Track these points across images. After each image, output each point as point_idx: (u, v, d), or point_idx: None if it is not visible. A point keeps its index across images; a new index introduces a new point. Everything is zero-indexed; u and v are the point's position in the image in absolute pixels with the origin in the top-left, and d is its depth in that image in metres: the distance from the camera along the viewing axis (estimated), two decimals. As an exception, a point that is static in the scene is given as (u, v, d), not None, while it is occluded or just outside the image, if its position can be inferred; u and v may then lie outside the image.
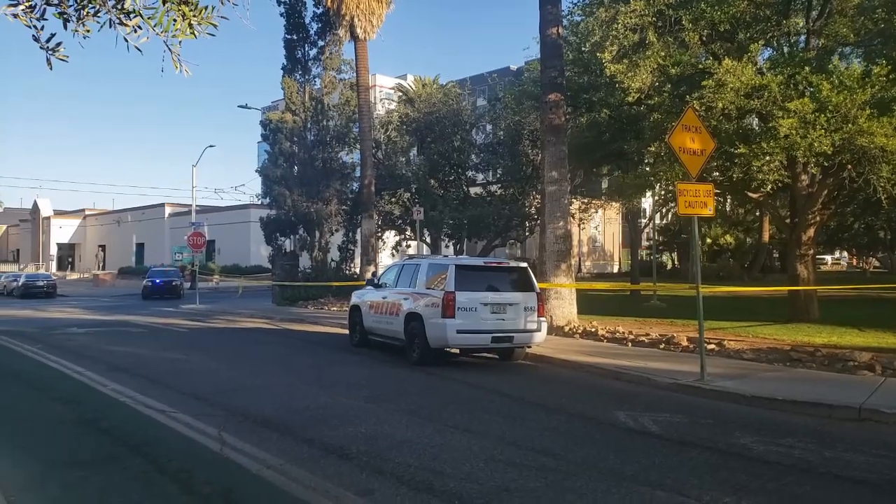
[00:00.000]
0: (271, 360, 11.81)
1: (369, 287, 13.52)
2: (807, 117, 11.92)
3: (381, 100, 43.15)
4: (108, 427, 6.82)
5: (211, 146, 60.76)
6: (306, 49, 28.39)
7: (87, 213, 73.27)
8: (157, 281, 33.21)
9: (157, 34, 3.59)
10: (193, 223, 39.30)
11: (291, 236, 28.93)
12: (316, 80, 28.91)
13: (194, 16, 3.62)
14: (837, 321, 14.72)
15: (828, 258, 59.02)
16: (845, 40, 14.21)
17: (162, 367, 10.84)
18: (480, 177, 32.46)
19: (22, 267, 63.04)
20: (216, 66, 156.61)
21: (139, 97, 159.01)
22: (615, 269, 51.52)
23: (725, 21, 13.52)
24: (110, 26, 3.67)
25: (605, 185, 29.79)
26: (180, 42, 3.69)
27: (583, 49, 17.18)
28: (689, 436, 6.58)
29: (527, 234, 31.64)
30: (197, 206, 46.34)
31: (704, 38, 14.57)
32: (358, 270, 25.44)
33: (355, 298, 13.70)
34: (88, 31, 3.70)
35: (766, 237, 37.27)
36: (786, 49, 14.98)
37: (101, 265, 65.60)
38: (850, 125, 11.77)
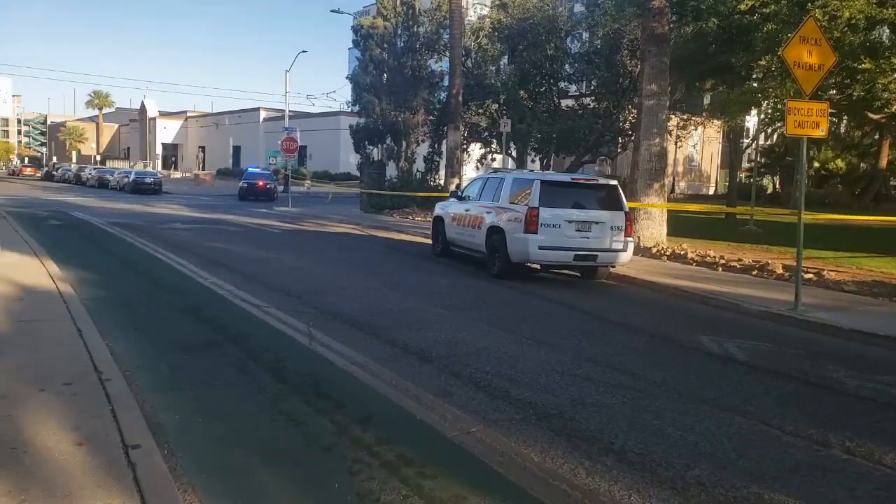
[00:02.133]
0: (357, 264, 12.24)
1: (453, 199, 13.55)
2: (952, 28, 10.57)
3: (473, 4, 41.44)
4: (209, 317, 7.36)
5: (303, 52, 61.18)
6: (398, -52, 27.49)
7: (188, 115, 76.58)
8: (253, 182, 34.63)
9: None
10: (286, 128, 40.28)
11: (379, 145, 29.19)
12: (406, -18, 28.12)
13: None
14: (957, 257, 13.57)
15: (953, 189, 53.76)
16: None
17: (257, 265, 11.46)
18: (573, 88, 31.13)
19: (132, 164, 67.28)
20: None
21: (238, 4, 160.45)
22: (711, 191, 49.11)
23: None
24: None
25: (706, 101, 27.97)
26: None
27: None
28: (776, 365, 6.39)
29: (619, 150, 30.44)
30: (290, 111, 47.25)
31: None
32: (442, 182, 25.49)
33: (438, 210, 13.80)
34: None
35: (883, 163, 34.17)
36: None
37: (201, 165, 69.05)
38: None
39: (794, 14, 13.31)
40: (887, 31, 13.28)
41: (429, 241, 14.54)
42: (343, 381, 5.31)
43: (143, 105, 77.48)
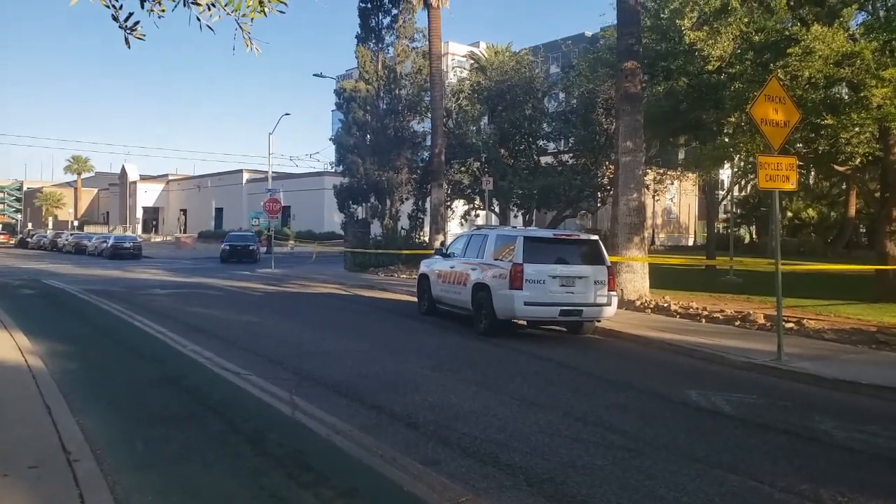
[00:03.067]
0: (342, 326, 12.15)
1: (438, 256, 13.63)
2: (906, 85, 11.08)
3: (452, 68, 42.74)
4: (188, 386, 7.22)
5: (286, 114, 62.13)
6: (380, 17, 28.48)
7: (170, 178, 76.89)
8: (235, 245, 34.54)
9: (228, 14, 3.66)
10: (269, 189, 40.50)
11: (363, 204, 29.44)
12: (389, 48, 29.02)
13: None
14: (932, 303, 13.80)
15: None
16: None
17: (237, 329, 11.33)
18: (552, 146, 31.85)
19: (111, 229, 66.98)
20: (291, 35, 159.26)
21: (218, 67, 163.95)
22: (690, 242, 49.86)
23: (818, -18, 12.64)
24: (184, 5, 3.77)
25: (681, 155, 28.71)
26: (252, 20, 3.75)
27: (661, 16, 16.48)
28: (764, 418, 6.38)
29: (598, 205, 30.95)
30: (273, 172, 47.74)
31: (792, 3, 13.69)
32: (427, 239, 25.66)
33: (424, 267, 13.85)
34: (164, 10, 3.82)
35: (852, 211, 35.02)
36: (881, 13, 13.85)
37: (182, 228, 68.91)
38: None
39: (759, 73, 13.88)
40: (846, 88, 13.85)
41: (414, 298, 14.52)
42: (326, 452, 5.19)
43: (123, 169, 77.73)
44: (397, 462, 4.93)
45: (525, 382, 7.64)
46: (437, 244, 19.96)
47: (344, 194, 28.92)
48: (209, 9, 3.69)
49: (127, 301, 15.14)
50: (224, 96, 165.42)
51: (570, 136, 29.39)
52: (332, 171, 34.45)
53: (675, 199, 48.09)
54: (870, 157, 13.61)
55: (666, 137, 23.08)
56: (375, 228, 29.07)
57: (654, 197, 32.75)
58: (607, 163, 25.76)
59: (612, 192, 16.43)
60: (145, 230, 71.05)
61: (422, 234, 28.24)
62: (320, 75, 39.28)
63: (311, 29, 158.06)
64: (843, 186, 33.97)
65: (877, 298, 14.55)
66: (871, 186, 17.54)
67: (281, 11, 3.80)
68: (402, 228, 28.39)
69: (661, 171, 30.09)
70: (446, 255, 13.05)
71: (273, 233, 32.38)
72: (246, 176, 63.11)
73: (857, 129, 11.88)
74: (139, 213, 74.20)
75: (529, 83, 28.61)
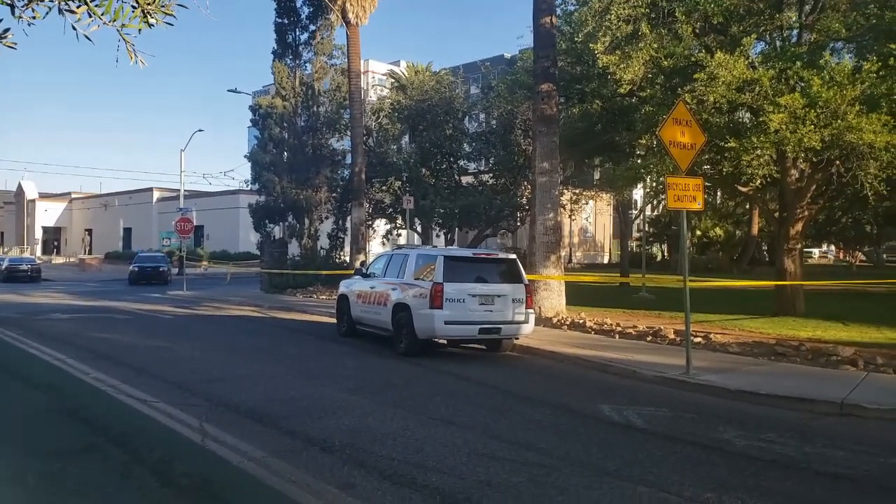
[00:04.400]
0: (257, 350, 11.74)
1: (357, 276, 13.46)
2: (797, 112, 11.92)
3: (373, 86, 42.77)
4: (89, 417, 6.75)
5: (200, 131, 60.32)
6: (297, 34, 28.16)
7: (73, 196, 72.60)
8: (145, 266, 32.95)
9: (107, 24, 3.48)
10: (181, 208, 38.99)
11: (280, 223, 28.79)
12: (307, 65, 28.71)
13: (149, 3, 3.50)
14: (823, 315, 14.82)
15: (815, 252, 59.48)
16: (837, 35, 14.18)
17: (146, 355, 10.75)
18: (472, 166, 32.31)
19: (6, 251, 62.39)
20: (205, 50, 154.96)
21: (127, 81, 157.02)
22: (605, 260, 51.66)
23: (719, 14, 13.45)
24: (59, 13, 3.55)
25: (596, 176, 29.82)
26: (140, 31, 3.57)
27: (576, 39, 17.07)
28: (672, 430, 6.60)
29: (518, 224, 31.58)
30: (185, 191, 45.94)
31: (697, 31, 14.51)
32: (347, 259, 25.35)
33: (343, 288, 13.64)
34: (36, 16, 3.59)
35: (755, 230, 37.45)
36: (778, 43, 14.94)
37: (87, 250, 65.10)
38: (839, 121, 11.79)
39: (668, 97, 14.61)
40: (748, 113, 14.77)
41: (334, 320, 14.25)
42: (237, 480, 4.96)
43: (19, 186, 72.66)
44: (311, 488, 4.77)
45: (444, 402, 7.60)
46: (357, 264, 19.74)
47: (260, 213, 28.19)
48: (89, 16, 3.47)
49: (22, 327, 14.07)
50: (134, 112, 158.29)
51: (490, 156, 29.94)
52: (248, 189, 33.56)
53: (590, 218, 49.80)
54: (769, 179, 14.53)
55: (581, 158, 23.92)
56: (293, 248, 28.46)
57: (570, 216, 33.78)
58: (526, 183, 26.36)
59: (530, 212, 16.80)
60: (45, 251, 66.64)
61: (342, 253, 27.88)
62: (235, 91, 37.95)
63: (225, 44, 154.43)
64: (747, 206, 36.29)
65: (776, 312, 15.48)
66: (771, 206, 18.74)
67: (168, 24, 3.63)
68: (321, 248, 27.93)
69: (577, 191, 31.11)
70: (366, 276, 12.91)
71: (185, 253, 31.12)
72: (156, 194, 60.50)
73: (757, 151, 12.63)
74: (38, 234, 69.52)
75: (450, 103, 28.98)
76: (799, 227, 15.53)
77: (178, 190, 44.95)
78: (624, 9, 13.49)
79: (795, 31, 14.91)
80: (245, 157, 31.23)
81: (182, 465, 5.26)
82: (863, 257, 49.73)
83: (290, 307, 19.49)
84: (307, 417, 6.74)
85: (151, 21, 3.54)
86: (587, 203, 37.61)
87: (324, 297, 21.94)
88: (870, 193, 12.94)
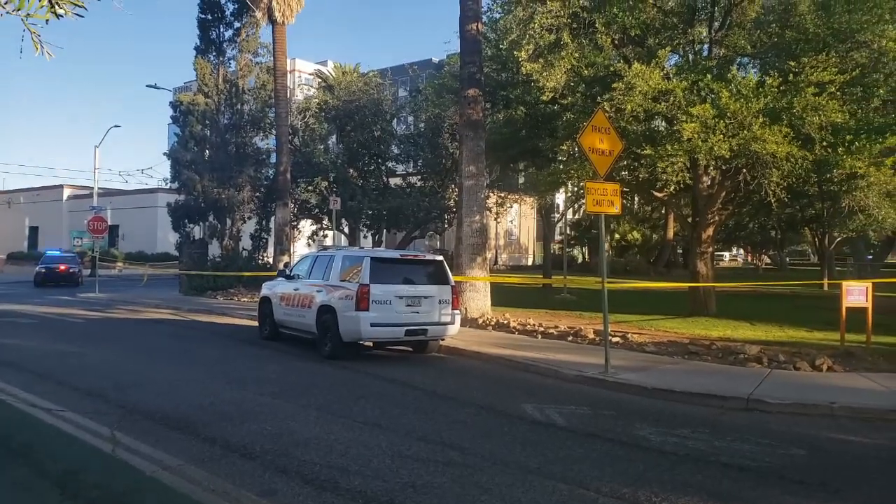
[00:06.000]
0: (175, 354, 11.29)
1: (281, 278, 13.18)
2: (708, 122, 12.56)
3: (299, 85, 41.95)
4: (-14, 428, 6.30)
5: (116, 126, 57.38)
6: (221, 30, 27.41)
7: (-29, 193, 67.45)
8: (53, 267, 31.05)
9: (10, 13, 3.28)
10: (94, 207, 37.04)
11: (201, 223, 27.83)
12: (231, 62, 28.00)
13: None
14: (732, 315, 15.66)
15: (726, 255, 62.83)
16: (743, 51, 15.08)
17: (52, 361, 10.14)
18: (400, 168, 32.31)
19: None
20: (124, 42, 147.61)
21: (35, 71, 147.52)
22: (530, 262, 52.73)
23: (636, 26, 14.03)
24: None
25: (521, 180, 30.39)
26: (47, 21, 3.38)
27: (501, 46, 17.40)
28: (592, 428, 6.81)
29: (446, 226, 31.81)
30: (99, 188, 43.69)
31: (616, 42, 15.07)
32: (271, 260, 24.76)
33: (266, 290, 13.32)
34: None
35: (670, 234, 39.18)
36: (690, 56, 15.71)
37: (-13, 249, 60.66)
38: (745, 131, 12.51)
39: (588, 105, 15.09)
40: (663, 122, 15.45)
41: (256, 323, 13.88)
42: (151, 490, 4.75)
43: (-90, 181, 67.10)
44: (230, 495, 4.63)
45: (369, 404, 7.55)
46: (280, 265, 19.30)
47: (179, 213, 27.15)
48: (-7, 6, 3.27)
49: None
50: (44, 107, 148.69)
51: (419, 158, 30.04)
52: (167, 187, 32.26)
53: (515, 221, 50.72)
54: (682, 185, 15.23)
55: (507, 162, 24.32)
56: (214, 249, 27.53)
57: (496, 219, 34.31)
58: (453, 185, 26.59)
59: (457, 214, 16.96)
60: (-62, 251, 61.59)
61: (265, 255, 27.24)
62: (154, 86, 36.64)
63: (144, 38, 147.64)
64: (663, 211, 37.90)
65: (690, 313, 16.26)
66: (685, 211, 19.67)
67: (79, 15, 3.45)
68: (243, 249, 27.19)
69: (503, 194, 31.64)
70: (290, 277, 12.66)
71: (98, 254, 29.55)
72: (67, 192, 57.10)
73: (671, 159, 13.20)
74: (-70, 232, 64.25)
75: (378, 105, 28.88)
76: (710, 231, 16.38)
77: (91, 188, 42.68)
78: (547, 18, 13.83)
79: (706, 46, 15.72)
80: (164, 154, 29.99)
81: (90, 476, 4.99)
82: (768, 260, 52.97)
83: (210, 310, 18.85)
84: (227, 423, 6.54)
85: (60, 11, 3.36)
86: (512, 206, 38.29)
87: (245, 299, 21.35)
88: (773, 200, 13.80)
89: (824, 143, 12.61)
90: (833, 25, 12.46)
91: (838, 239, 31.25)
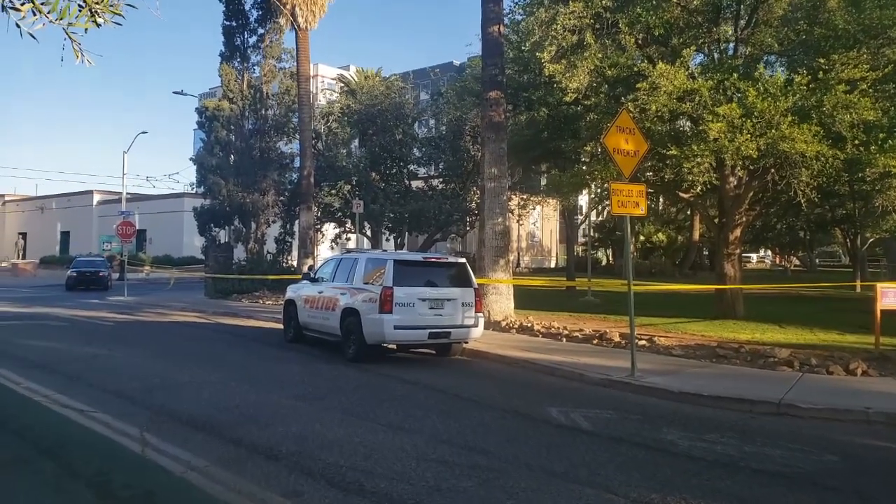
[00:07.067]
0: (201, 356, 11.42)
1: (305, 281, 13.26)
2: (734, 122, 12.37)
3: (322, 90, 42.33)
4: (18, 428, 6.43)
5: (143, 132, 58.53)
6: (245, 36, 27.79)
7: (7, 198, 69.17)
8: (83, 271, 31.67)
9: (53, 22, 3.35)
10: (123, 212, 37.59)
11: (226, 227, 28.21)
12: (255, 68, 28.35)
13: (97, 2, 3.38)
14: (761, 318, 15.40)
15: (753, 257, 61.85)
16: (770, 49, 14.84)
17: (83, 363, 10.32)
18: (422, 171, 32.41)
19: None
20: (151, 50, 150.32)
21: (68, 80, 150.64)
22: (553, 265, 52.47)
23: (660, 26, 13.88)
24: (2, 10, 3.40)
25: (543, 182, 30.27)
26: (86, 30, 3.44)
27: (523, 48, 17.35)
28: (618, 432, 6.72)
29: (468, 228, 31.80)
30: (128, 193, 44.46)
31: (640, 42, 14.93)
32: (295, 263, 24.98)
33: (290, 293, 13.42)
34: None
35: (696, 236, 38.71)
36: (716, 55, 15.51)
37: (20, 254, 62.08)
38: (773, 131, 12.30)
39: (612, 106, 14.98)
40: (688, 122, 15.26)
41: (280, 326, 13.99)
42: (180, 490, 4.81)
43: (-53, 187, 68.86)
44: (256, 497, 4.66)
45: (392, 407, 7.55)
46: (305, 268, 19.45)
47: (205, 217, 27.53)
48: (34, 14, 3.34)
49: (-55, 336, 13.31)
50: (76, 114, 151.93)
51: (440, 161, 30.10)
52: (193, 192, 32.73)
53: (538, 223, 50.53)
54: (708, 186, 15.04)
55: (529, 164, 24.26)
56: (239, 253, 27.89)
57: (518, 221, 34.25)
58: (475, 188, 26.58)
59: (479, 217, 16.94)
60: (-26, 256, 63.20)
61: (289, 258, 27.48)
62: (181, 93, 36.86)
63: (171, 45, 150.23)
64: (688, 212, 37.47)
65: (717, 315, 16.01)
66: (711, 212, 19.38)
67: (117, 23, 3.52)
68: (268, 252, 27.47)
69: (525, 196, 31.56)
70: (314, 280, 12.73)
71: (126, 258, 30.07)
72: (97, 197, 58.27)
73: (697, 159, 13.02)
74: (-34, 237, 66.00)
75: (400, 108, 29.01)
76: (737, 232, 16.12)
77: (120, 193, 43.45)
78: (569, 19, 13.75)
79: (732, 45, 15.51)
80: (190, 159, 30.54)
81: (121, 476, 5.06)
82: (797, 262, 52.01)
83: (236, 313, 19.05)
84: (252, 425, 6.58)
85: (99, 20, 3.42)
86: (534, 208, 38.17)
87: (270, 302, 21.54)
88: (802, 200, 13.55)
89: (856, 142, 12.33)
90: (864, 21, 12.19)
91: (871, 240, 30.59)
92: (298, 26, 23.18)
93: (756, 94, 12.29)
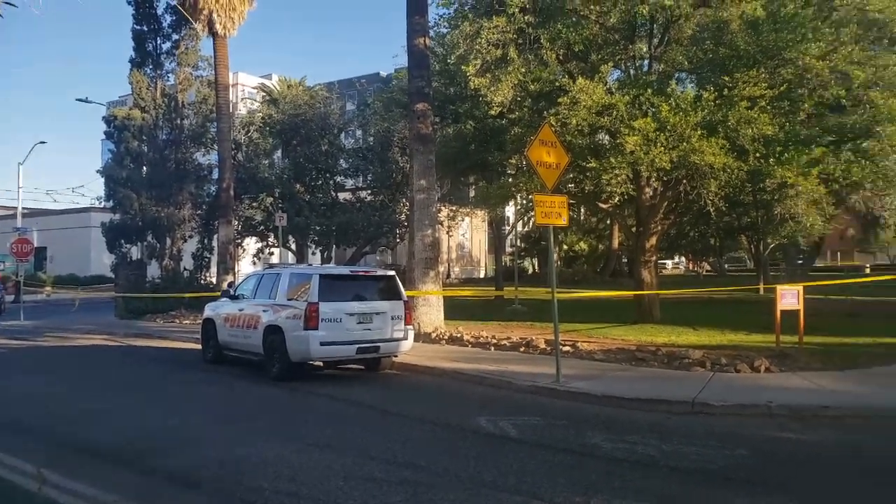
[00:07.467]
0: (111, 381, 10.80)
1: (225, 299, 12.81)
2: (649, 135, 12.90)
3: (242, 99, 41.23)
4: None
5: (42, 142, 54.94)
6: (158, 42, 26.68)
7: None
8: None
9: None
10: (18, 228, 35.17)
11: (139, 243, 26.90)
12: (169, 75, 27.26)
13: None
14: (676, 321, 16.05)
15: (668, 263, 64.56)
16: (681, 67, 15.59)
17: (-22, 392, 9.55)
18: (350, 182, 32.08)
19: None
20: (51, 56, 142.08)
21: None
22: (482, 275, 53.02)
23: (580, 42, 14.33)
24: None
25: (471, 193, 30.60)
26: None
27: (449, 61, 17.53)
28: (545, 438, 6.81)
29: (397, 240, 31.67)
30: (24, 208, 41.73)
31: (561, 58, 15.36)
32: (214, 280, 24.08)
33: (209, 311, 12.93)
34: None
35: (615, 244, 40.07)
36: (632, 72, 16.15)
37: None
38: (684, 144, 12.89)
39: (535, 119, 15.31)
40: (606, 135, 15.79)
41: (199, 346, 13.43)
42: (86, 527, 4.49)
43: None
44: (172, 530, 4.41)
45: (319, 426, 7.37)
46: (224, 285, 18.74)
47: (115, 232, 26.10)
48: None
49: None
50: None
51: (368, 172, 29.91)
52: (101, 206, 31.07)
53: (467, 234, 51.00)
54: (626, 196, 15.58)
55: (457, 176, 24.44)
56: (153, 270, 26.59)
57: (448, 233, 34.44)
58: (404, 200, 26.55)
59: (409, 229, 16.91)
60: None
61: (208, 274, 26.50)
62: (85, 100, 34.99)
63: (74, 50, 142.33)
64: (608, 222, 38.74)
65: (636, 320, 16.59)
66: (629, 222, 20.11)
67: (9, 3, 3.28)
68: (184, 269, 26.36)
69: (454, 207, 31.82)
70: (235, 297, 12.32)
71: (22, 278, 28.08)
72: (-11, 213, 54.33)
73: (615, 171, 13.47)
74: None
75: (325, 119, 28.65)
76: (653, 240, 16.80)
77: (15, 208, 40.74)
78: (493, 33, 13.99)
79: (646, 62, 16.20)
80: (98, 171, 28.91)
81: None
82: (708, 267, 54.70)
83: (150, 333, 18.16)
84: (168, 452, 6.26)
85: None
86: (463, 219, 38.51)
87: (187, 321, 20.65)
88: (712, 209, 14.26)
89: (757, 154, 13.10)
90: (762, 43, 13.00)
91: (772, 245, 32.54)
92: (216, 33, 22.51)
93: (669, 109, 12.86)
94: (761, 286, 25.66)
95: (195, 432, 7.07)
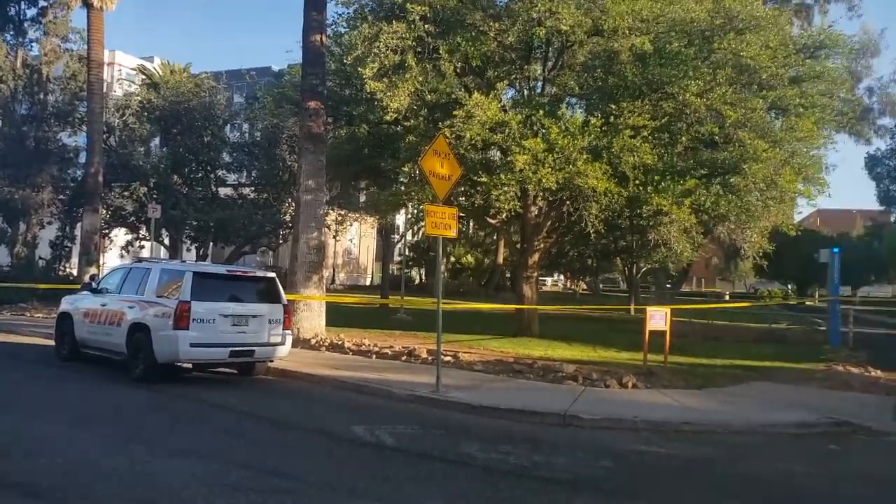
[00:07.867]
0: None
1: (86, 292, 11.80)
2: (538, 155, 13.35)
3: (118, 80, 38.09)
4: None
5: None
6: (22, 7, 24.42)
7: None
8: None
9: None
10: None
11: (-14, 227, 24.28)
12: (33, 45, 24.96)
13: None
14: (553, 336, 16.67)
15: (548, 280, 67.31)
16: (572, 91, 16.33)
17: None
18: (232, 177, 30.65)
19: None
20: None
21: None
22: (368, 282, 52.55)
23: (477, 57, 14.62)
24: None
25: (362, 198, 30.24)
26: None
27: (345, 61, 17.22)
28: (421, 447, 6.79)
29: (280, 241, 30.65)
30: None
31: (458, 70, 15.58)
32: (76, 272, 22.17)
33: (66, 305, 11.85)
34: None
35: (500, 259, 41.16)
36: (525, 92, 16.69)
37: None
38: (570, 166, 13.46)
39: (430, 130, 15.40)
40: (498, 152, 16.18)
41: (52, 342, 12.25)
42: None
43: None
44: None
45: (184, 431, 6.93)
46: (86, 278, 17.26)
47: (-44, 214, 23.46)
48: None
49: None
50: None
51: (253, 168, 28.75)
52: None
53: (354, 240, 50.41)
54: (513, 213, 16.00)
55: (348, 180, 24.05)
56: (3, 257, 24.09)
57: (335, 237, 33.83)
58: (290, 199, 25.78)
59: (293, 230, 16.41)
60: None
61: (68, 265, 24.37)
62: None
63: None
64: (495, 237, 39.74)
65: (515, 333, 17.05)
66: (514, 238, 20.72)
67: None
68: (40, 258, 24.04)
69: (343, 212, 31.28)
70: (97, 291, 11.36)
71: None
72: None
73: (504, 187, 13.80)
74: None
75: (209, 108, 27.24)
76: (536, 257, 17.40)
77: None
78: (392, 39, 13.95)
79: (540, 83, 16.82)
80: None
81: None
82: (584, 286, 57.58)
83: (-4, 326, 16.37)
84: (6, 458, 5.61)
85: None
86: (352, 225, 38.00)
87: (40, 315, 18.78)
88: (591, 231, 14.97)
89: (637, 182, 13.94)
90: (648, 76, 13.89)
91: (644, 269, 34.77)
92: (91, 4, 20.79)
93: (558, 132, 13.39)
94: (632, 307, 27.32)
95: (42, 436, 6.39)
